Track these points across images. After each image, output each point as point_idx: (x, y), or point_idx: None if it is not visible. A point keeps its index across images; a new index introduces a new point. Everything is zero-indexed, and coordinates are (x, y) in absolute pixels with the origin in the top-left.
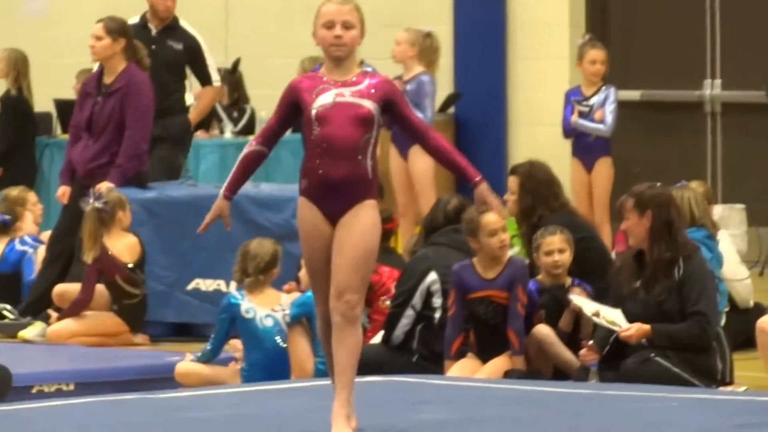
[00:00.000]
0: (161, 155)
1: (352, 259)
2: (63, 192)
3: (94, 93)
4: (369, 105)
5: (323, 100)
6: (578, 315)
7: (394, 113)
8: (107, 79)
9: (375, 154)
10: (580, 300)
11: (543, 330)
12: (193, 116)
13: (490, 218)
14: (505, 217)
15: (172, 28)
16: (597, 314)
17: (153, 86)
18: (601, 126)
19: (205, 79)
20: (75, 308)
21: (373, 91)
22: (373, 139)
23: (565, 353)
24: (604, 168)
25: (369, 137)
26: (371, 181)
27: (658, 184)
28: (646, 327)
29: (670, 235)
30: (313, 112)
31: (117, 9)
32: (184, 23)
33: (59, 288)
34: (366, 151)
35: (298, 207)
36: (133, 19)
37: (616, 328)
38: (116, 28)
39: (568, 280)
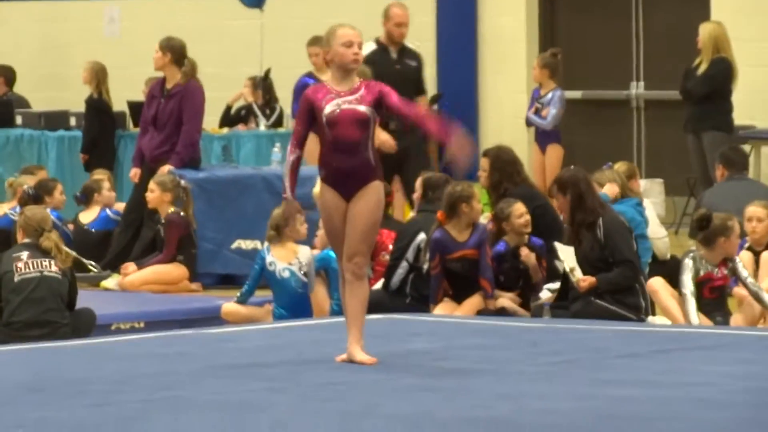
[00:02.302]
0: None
1: (360, 230)
2: (134, 173)
3: (158, 96)
4: (364, 109)
5: (331, 107)
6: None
7: (384, 104)
8: (168, 85)
9: (374, 145)
10: (561, 249)
11: (507, 302)
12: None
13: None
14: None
15: (404, 48)
16: (572, 270)
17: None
18: (543, 121)
19: (422, 89)
20: (157, 262)
21: (367, 96)
22: (372, 133)
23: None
24: (554, 151)
25: (368, 134)
26: (374, 167)
27: (572, 167)
28: (593, 279)
29: (585, 204)
30: (324, 118)
31: (174, 30)
32: (407, 42)
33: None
34: (367, 144)
35: (320, 190)
36: (370, 46)
37: (579, 279)
38: (168, 46)
39: (527, 237)
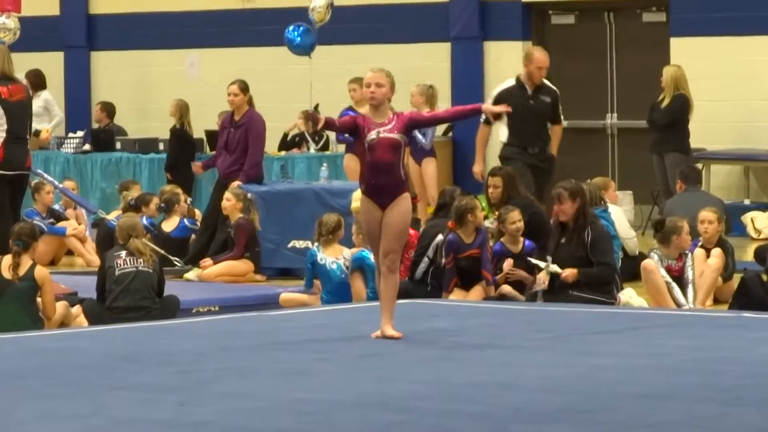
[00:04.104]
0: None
1: (394, 234)
2: (197, 166)
3: (228, 126)
4: (397, 136)
5: (371, 135)
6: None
7: (417, 123)
8: (236, 117)
9: (404, 164)
10: (536, 261)
11: (508, 289)
12: (553, 149)
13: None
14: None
15: (541, 86)
16: (547, 265)
17: (528, 130)
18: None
19: (557, 119)
20: (229, 258)
21: (397, 125)
22: (403, 156)
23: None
24: None
25: (400, 157)
26: (404, 182)
27: (573, 181)
28: (576, 271)
29: (585, 212)
30: (366, 144)
31: (241, 73)
32: (545, 80)
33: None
34: (399, 165)
35: (361, 201)
36: (508, 82)
37: (559, 272)
38: (244, 87)
39: (521, 240)
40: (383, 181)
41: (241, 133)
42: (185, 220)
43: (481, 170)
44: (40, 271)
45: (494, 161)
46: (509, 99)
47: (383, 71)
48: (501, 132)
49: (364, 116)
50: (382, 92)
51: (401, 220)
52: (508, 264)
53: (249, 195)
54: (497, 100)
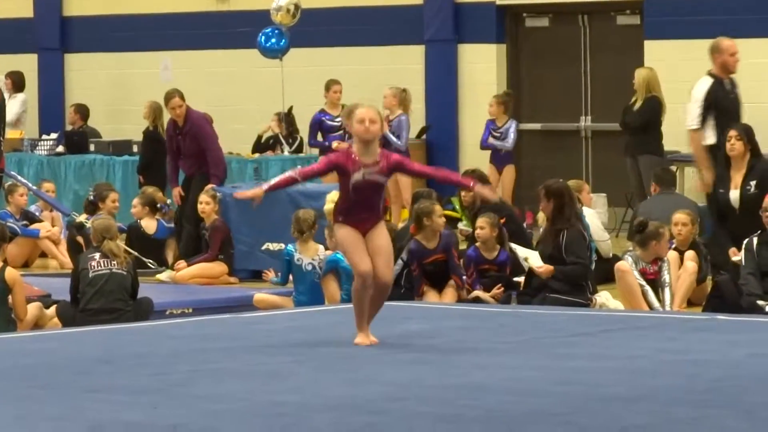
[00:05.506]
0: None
1: (385, 261)
2: (178, 191)
3: (174, 135)
4: (382, 179)
5: (357, 177)
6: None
7: (406, 172)
8: (180, 123)
9: (384, 197)
10: (518, 248)
11: (481, 293)
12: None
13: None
14: (498, 198)
15: (731, 78)
16: (526, 259)
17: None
18: (506, 143)
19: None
20: (203, 260)
21: (384, 167)
22: (384, 193)
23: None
24: (509, 171)
25: (381, 196)
26: (382, 212)
27: (561, 180)
28: (551, 267)
29: (561, 213)
30: (351, 185)
31: (214, 75)
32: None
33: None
34: (380, 203)
35: (341, 226)
36: (705, 81)
37: (534, 267)
38: (182, 95)
39: (497, 248)
40: (365, 215)
41: (190, 138)
42: (163, 221)
43: (712, 178)
44: (10, 273)
45: (474, 162)
46: (717, 97)
47: (374, 107)
48: (708, 135)
49: (347, 154)
50: (377, 128)
51: (389, 246)
52: (484, 295)
53: (218, 195)
54: (707, 101)
